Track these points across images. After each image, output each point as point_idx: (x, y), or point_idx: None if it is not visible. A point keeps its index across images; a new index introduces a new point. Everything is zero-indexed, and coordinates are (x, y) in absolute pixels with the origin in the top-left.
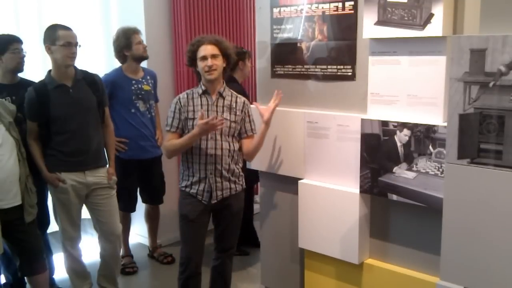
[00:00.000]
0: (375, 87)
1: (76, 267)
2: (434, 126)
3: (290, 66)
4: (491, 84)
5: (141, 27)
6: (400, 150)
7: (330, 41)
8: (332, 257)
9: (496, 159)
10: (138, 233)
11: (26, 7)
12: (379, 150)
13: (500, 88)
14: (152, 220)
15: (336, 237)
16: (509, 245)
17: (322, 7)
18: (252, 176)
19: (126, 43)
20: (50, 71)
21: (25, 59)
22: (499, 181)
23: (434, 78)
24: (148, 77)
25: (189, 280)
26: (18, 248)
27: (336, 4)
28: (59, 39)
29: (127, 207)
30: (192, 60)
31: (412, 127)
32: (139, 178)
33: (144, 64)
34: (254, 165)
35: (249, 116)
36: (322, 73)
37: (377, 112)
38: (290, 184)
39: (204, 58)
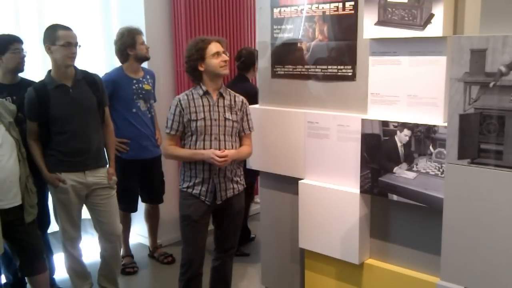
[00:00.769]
0: (375, 87)
1: (76, 267)
2: (434, 126)
3: (290, 66)
4: (491, 85)
5: (142, 27)
6: (401, 150)
7: (330, 41)
8: (333, 257)
9: (496, 159)
10: (139, 233)
11: (26, 7)
12: (380, 150)
13: (501, 88)
14: (152, 219)
15: (337, 237)
16: (510, 245)
17: (323, 7)
18: (251, 177)
19: (131, 42)
20: (50, 71)
21: (25, 59)
22: (500, 181)
23: (435, 78)
24: (148, 77)
25: (190, 282)
26: (19, 248)
27: (336, 4)
28: (59, 39)
29: (129, 207)
30: (197, 60)
31: (412, 127)
32: (140, 177)
33: (144, 64)
34: (254, 165)
35: (247, 115)
36: (323, 73)
37: (378, 112)
38: (290, 184)
39: (218, 54)
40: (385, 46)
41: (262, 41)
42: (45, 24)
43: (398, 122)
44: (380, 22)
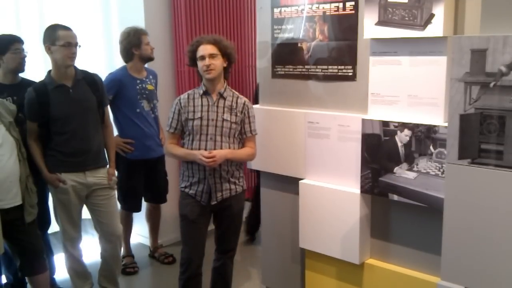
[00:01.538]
0: (375, 87)
1: (76, 267)
2: (434, 126)
3: (290, 66)
4: (491, 85)
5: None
6: (401, 150)
7: (330, 41)
8: (333, 257)
9: (496, 159)
10: (139, 233)
11: (27, 7)
12: (380, 150)
13: (501, 88)
14: (154, 219)
15: (337, 237)
16: (510, 245)
17: (323, 7)
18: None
19: (136, 42)
20: (50, 71)
21: (26, 59)
22: (500, 181)
23: (435, 78)
24: (151, 77)
25: (189, 281)
26: (19, 248)
27: (337, 4)
28: (59, 39)
29: (133, 207)
30: (193, 60)
31: (412, 127)
32: (144, 177)
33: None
34: (255, 165)
35: (249, 117)
36: (323, 73)
37: (378, 112)
38: (291, 184)
39: (203, 57)
40: (385, 46)
41: (263, 41)
42: (46, 24)
43: (398, 122)
44: (380, 22)
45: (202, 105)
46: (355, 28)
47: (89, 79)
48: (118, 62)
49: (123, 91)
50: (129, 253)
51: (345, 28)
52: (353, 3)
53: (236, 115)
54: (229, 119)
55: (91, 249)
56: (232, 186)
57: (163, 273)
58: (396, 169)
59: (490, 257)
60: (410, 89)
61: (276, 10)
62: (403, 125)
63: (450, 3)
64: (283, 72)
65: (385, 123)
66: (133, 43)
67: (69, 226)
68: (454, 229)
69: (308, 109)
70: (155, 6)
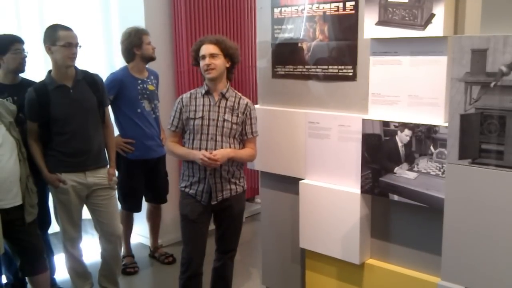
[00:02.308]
0: (376, 87)
1: (77, 267)
2: (435, 126)
3: (291, 66)
4: (492, 85)
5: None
6: (401, 150)
7: (331, 41)
8: (333, 257)
9: (497, 159)
10: (139, 233)
11: (27, 7)
12: (380, 150)
13: (501, 88)
14: (154, 219)
15: (337, 237)
16: (510, 245)
17: (323, 7)
18: None
19: (137, 42)
20: (50, 71)
21: (26, 59)
22: (500, 181)
23: (435, 78)
24: (152, 77)
25: (190, 280)
26: (19, 248)
27: (337, 4)
28: (59, 39)
29: (134, 207)
30: (196, 59)
31: (413, 127)
32: (145, 177)
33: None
34: (255, 165)
35: (250, 118)
36: (323, 73)
37: (378, 112)
38: (291, 184)
39: (204, 57)
40: (385, 46)
41: (263, 41)
42: (46, 24)
43: (398, 122)
44: (380, 22)
45: (203, 105)
46: (355, 28)
47: (90, 79)
48: (118, 62)
49: (124, 91)
50: (129, 253)
51: (345, 28)
52: (353, 3)
53: (237, 116)
54: (230, 119)
55: (91, 249)
56: (233, 187)
57: (163, 273)
58: (396, 169)
59: (490, 257)
60: (411, 89)
61: (276, 10)
62: (403, 125)
63: (451, 3)
64: (283, 72)
65: (385, 123)
66: (134, 43)
67: (69, 226)
68: (454, 229)
69: (309, 109)
70: (155, 6)
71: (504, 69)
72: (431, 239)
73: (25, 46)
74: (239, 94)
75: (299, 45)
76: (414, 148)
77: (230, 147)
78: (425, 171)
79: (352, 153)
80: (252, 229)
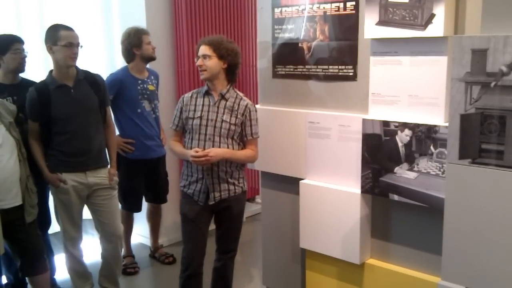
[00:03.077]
0: (376, 87)
1: (77, 268)
2: (435, 126)
3: (291, 66)
4: (492, 84)
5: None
6: (401, 150)
7: (331, 41)
8: (333, 257)
9: (497, 159)
10: (139, 233)
11: (27, 7)
12: (380, 150)
13: (502, 88)
14: (154, 219)
15: (337, 237)
16: (510, 245)
17: (324, 7)
18: None
19: (137, 42)
20: (51, 71)
21: (26, 59)
22: (500, 181)
23: (436, 78)
24: (152, 77)
25: (190, 280)
26: (19, 249)
27: (337, 4)
28: (60, 39)
29: (133, 207)
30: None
31: (413, 127)
32: (145, 177)
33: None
34: (255, 165)
35: (250, 120)
36: (324, 73)
37: (378, 112)
38: (292, 184)
39: (198, 58)
40: (386, 46)
41: (263, 41)
42: (46, 24)
43: (399, 122)
44: (381, 22)
45: (203, 105)
46: (356, 28)
47: (91, 79)
48: (119, 62)
49: (124, 91)
50: (129, 253)
51: (345, 28)
52: (353, 3)
53: (236, 117)
54: (228, 120)
55: (91, 249)
56: (231, 187)
57: (164, 273)
58: (396, 169)
59: (490, 257)
60: (411, 89)
61: (276, 10)
62: (403, 125)
63: (451, 3)
64: (283, 72)
65: (385, 123)
66: (133, 43)
67: (69, 226)
68: (454, 229)
69: (309, 109)
70: (156, 6)
71: (504, 69)
72: (431, 239)
73: (25, 46)
74: (241, 95)
75: (300, 45)
76: (414, 148)
77: (228, 148)
78: (425, 171)
79: (352, 153)
80: (253, 229)
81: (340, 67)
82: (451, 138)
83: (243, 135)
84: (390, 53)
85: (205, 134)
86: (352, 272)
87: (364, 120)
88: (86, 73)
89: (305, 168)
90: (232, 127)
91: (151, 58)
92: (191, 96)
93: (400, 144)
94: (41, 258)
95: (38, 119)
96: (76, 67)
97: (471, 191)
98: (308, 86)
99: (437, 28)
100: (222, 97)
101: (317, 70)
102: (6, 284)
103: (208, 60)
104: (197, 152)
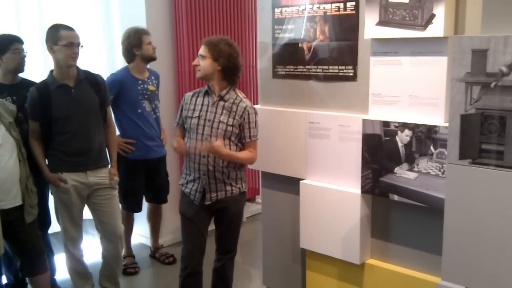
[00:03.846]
0: (376, 88)
1: (77, 268)
2: (435, 126)
3: (291, 67)
4: (492, 85)
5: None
6: (401, 150)
7: (331, 42)
8: (334, 257)
9: (497, 159)
10: (140, 233)
11: (27, 7)
12: (380, 151)
13: (502, 88)
14: (155, 219)
15: (338, 238)
16: (510, 246)
17: (324, 8)
18: None
19: (137, 42)
20: (52, 71)
21: (26, 59)
22: (501, 181)
23: (436, 78)
24: (153, 77)
25: (189, 279)
26: (19, 249)
27: (337, 4)
28: (61, 39)
29: (134, 207)
30: None
31: (413, 127)
32: (145, 177)
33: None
34: (255, 165)
35: (249, 122)
36: (324, 73)
37: (379, 112)
38: (292, 184)
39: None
40: (386, 46)
41: (263, 41)
42: (46, 24)
43: (399, 122)
44: (381, 22)
45: (202, 104)
46: (356, 28)
47: (92, 79)
48: (119, 62)
49: (124, 92)
50: (130, 254)
51: (346, 28)
52: (353, 3)
53: (234, 118)
54: (225, 121)
55: (92, 250)
56: (228, 188)
57: (164, 274)
58: (396, 169)
59: (490, 257)
60: (411, 89)
61: (277, 10)
62: (403, 125)
63: (451, 3)
64: (284, 72)
65: (385, 123)
66: (134, 44)
67: (70, 226)
68: (454, 229)
69: (309, 109)
70: (157, 6)
71: (504, 69)
72: (431, 239)
73: (25, 46)
74: (241, 96)
75: (300, 45)
76: (414, 148)
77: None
78: (425, 171)
79: (353, 153)
80: (253, 229)
81: (340, 67)
82: (451, 138)
83: (241, 137)
84: (390, 53)
85: (202, 134)
86: (352, 272)
87: (364, 120)
88: (87, 73)
89: (305, 168)
90: (229, 128)
91: (152, 58)
92: (192, 95)
93: (400, 144)
94: (41, 258)
95: (38, 118)
96: (77, 67)
97: (471, 192)
98: (308, 86)
99: (437, 28)
100: (221, 98)
101: (317, 70)
102: (6, 284)
103: (203, 60)
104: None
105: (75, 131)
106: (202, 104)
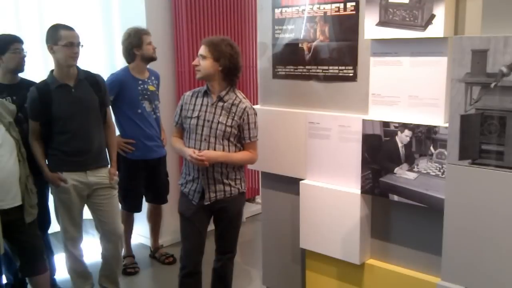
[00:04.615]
0: (376, 88)
1: (77, 268)
2: (435, 127)
3: (291, 67)
4: (492, 85)
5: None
6: (401, 150)
7: (331, 42)
8: (333, 257)
9: (497, 160)
10: (140, 233)
11: (26, 7)
12: (380, 151)
13: (502, 89)
14: (155, 220)
15: (337, 238)
16: (510, 246)
17: (324, 8)
18: None
19: (137, 42)
20: (52, 70)
21: (25, 59)
22: (500, 182)
23: (436, 79)
24: (153, 78)
25: (188, 278)
26: (19, 249)
27: (337, 4)
28: (61, 39)
29: (134, 208)
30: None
31: (413, 127)
32: (145, 178)
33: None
34: (255, 165)
35: (248, 123)
36: (324, 73)
37: (378, 112)
38: (292, 184)
39: (197, 57)
40: (386, 47)
41: (263, 41)
42: (46, 24)
43: (399, 123)
44: (381, 23)
45: (201, 105)
46: (356, 29)
47: (92, 79)
48: (119, 62)
49: (124, 92)
50: (130, 254)
51: (346, 28)
52: (354, 3)
53: (233, 119)
54: (224, 122)
55: (91, 249)
56: (227, 188)
57: (164, 274)
58: (396, 170)
59: (490, 257)
60: (411, 89)
61: (277, 11)
62: (403, 126)
63: (451, 4)
64: (284, 73)
65: (385, 124)
66: (134, 44)
67: (70, 225)
68: (454, 230)
69: (309, 110)
70: (157, 6)
71: (504, 69)
72: (431, 239)
73: (25, 46)
74: (241, 97)
75: (300, 45)
76: (414, 148)
77: (223, 149)
78: (425, 172)
79: (352, 153)
80: (253, 229)
81: (340, 67)
82: (451, 138)
83: (241, 137)
84: (390, 53)
85: (201, 135)
86: (352, 272)
87: (364, 120)
88: (87, 73)
89: (305, 168)
90: (228, 129)
91: (152, 59)
92: (192, 95)
93: (400, 145)
94: (40, 258)
95: (38, 118)
96: (77, 67)
97: (471, 192)
98: (308, 86)
99: (437, 29)
100: (220, 98)
101: (317, 70)
102: (6, 284)
103: (203, 60)
104: (194, 153)
105: (75, 131)
106: (202, 104)
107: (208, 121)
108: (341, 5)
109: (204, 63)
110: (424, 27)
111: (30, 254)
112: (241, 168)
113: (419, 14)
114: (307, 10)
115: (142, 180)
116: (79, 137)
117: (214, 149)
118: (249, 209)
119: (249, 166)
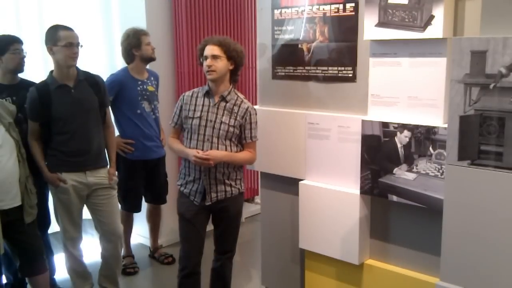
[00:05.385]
0: (375, 89)
1: (77, 268)
2: (434, 127)
3: (291, 68)
4: (491, 86)
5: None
6: (401, 151)
7: (331, 43)
8: (333, 257)
9: (496, 160)
10: (139, 233)
11: (26, 7)
12: (380, 151)
13: (501, 90)
14: (154, 220)
15: (337, 238)
16: (509, 247)
17: (323, 9)
18: None
19: (136, 43)
20: (52, 71)
21: (25, 59)
22: (499, 182)
23: (435, 79)
24: (152, 78)
25: (187, 279)
26: (18, 249)
27: (337, 5)
28: (60, 39)
29: (133, 208)
30: (199, 59)
31: (412, 128)
32: (144, 178)
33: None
34: (255, 166)
35: (250, 123)
36: (323, 74)
37: (378, 113)
38: (291, 185)
39: (206, 58)
40: (385, 48)
41: (263, 42)
42: (46, 24)
43: (398, 123)
44: (380, 24)
45: (203, 105)
46: (355, 30)
47: (91, 80)
48: (119, 63)
49: (124, 92)
50: (129, 254)
51: (345, 29)
52: (353, 4)
53: (235, 119)
54: (227, 122)
55: (91, 250)
56: (228, 188)
57: (163, 274)
58: (395, 170)
59: (489, 258)
60: (410, 90)
61: (276, 11)
62: (402, 126)
63: (450, 5)
64: (283, 73)
65: (384, 124)
66: (133, 44)
67: (69, 226)
68: (453, 230)
69: (308, 110)
70: (156, 7)
71: (503, 70)
72: (430, 240)
73: (25, 46)
74: (242, 97)
75: (299, 46)
76: (413, 149)
77: (226, 149)
78: (424, 172)
79: (352, 154)
80: (252, 229)
81: (339, 68)
82: (450, 139)
83: (242, 137)
84: (389, 54)
85: (204, 135)
86: (351, 273)
87: (363, 121)
88: (87, 74)
89: (305, 169)
90: (231, 129)
91: (151, 59)
92: (192, 95)
93: (399, 145)
94: (40, 258)
95: (38, 119)
96: (77, 68)
97: (470, 193)
98: (307, 87)
99: (436, 30)
100: (223, 98)
101: (317, 71)
102: (6, 284)
103: (218, 61)
104: (198, 153)
105: (74, 131)
106: (203, 105)
107: (211, 121)
108: (341, 6)
109: (219, 63)
110: (423, 28)
111: (30, 254)
112: (241, 168)
113: (418, 15)
114: (306, 11)
115: (142, 180)
116: (78, 137)
117: (217, 149)
118: (248, 209)
119: (248, 167)
